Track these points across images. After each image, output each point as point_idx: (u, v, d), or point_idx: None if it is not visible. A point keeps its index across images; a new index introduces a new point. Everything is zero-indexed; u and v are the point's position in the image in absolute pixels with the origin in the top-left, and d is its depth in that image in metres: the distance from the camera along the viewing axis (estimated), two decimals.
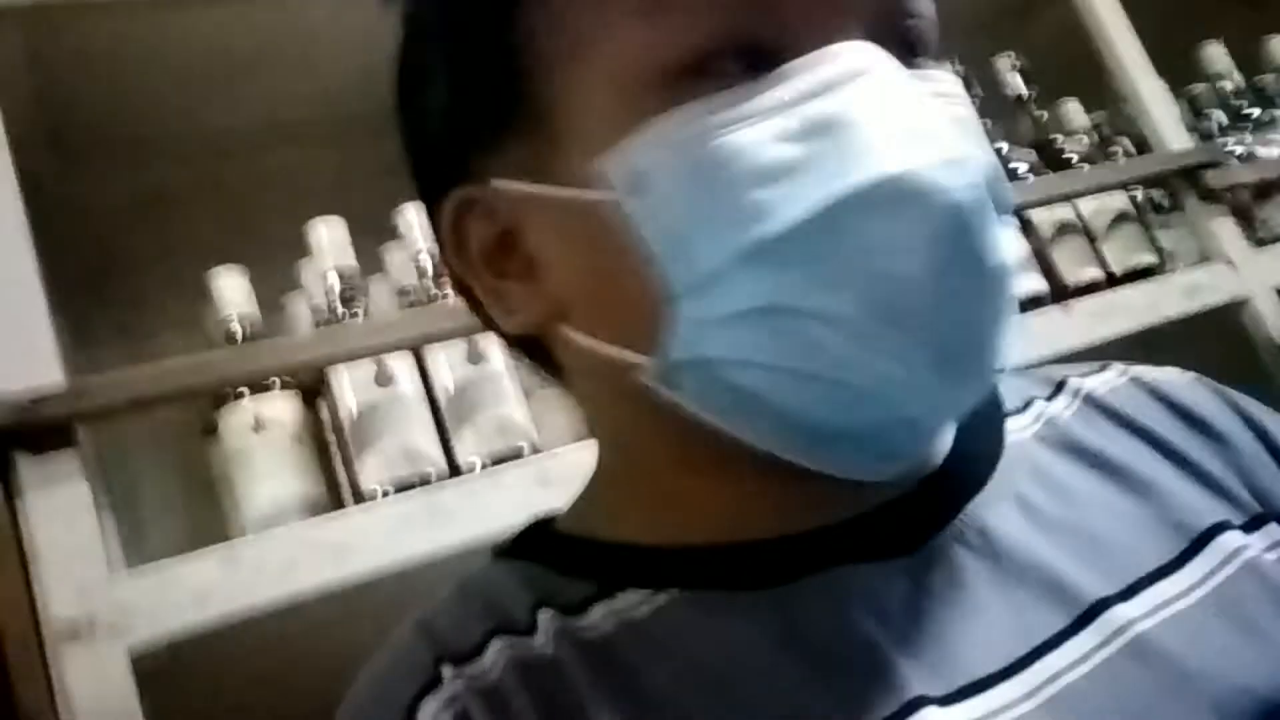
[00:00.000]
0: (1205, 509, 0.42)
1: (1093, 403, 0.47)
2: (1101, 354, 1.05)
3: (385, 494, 0.80)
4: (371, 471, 0.81)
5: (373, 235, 0.96)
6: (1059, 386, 0.48)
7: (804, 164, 0.35)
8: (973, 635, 0.37)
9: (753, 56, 0.36)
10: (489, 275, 0.43)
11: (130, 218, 1.05)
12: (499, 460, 0.83)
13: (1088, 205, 1.16)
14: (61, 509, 0.67)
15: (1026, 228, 1.12)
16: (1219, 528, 0.41)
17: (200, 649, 0.67)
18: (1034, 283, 1.08)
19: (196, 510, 0.98)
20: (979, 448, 0.42)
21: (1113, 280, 1.13)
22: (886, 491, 0.40)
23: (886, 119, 0.35)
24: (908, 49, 0.38)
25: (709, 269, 0.36)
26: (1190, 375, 0.50)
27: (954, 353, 0.36)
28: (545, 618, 0.39)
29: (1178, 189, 1.20)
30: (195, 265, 0.90)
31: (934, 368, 0.36)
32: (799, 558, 0.39)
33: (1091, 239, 1.15)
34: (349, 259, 0.88)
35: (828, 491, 0.39)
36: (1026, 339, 0.97)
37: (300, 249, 0.94)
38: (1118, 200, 1.18)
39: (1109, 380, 0.49)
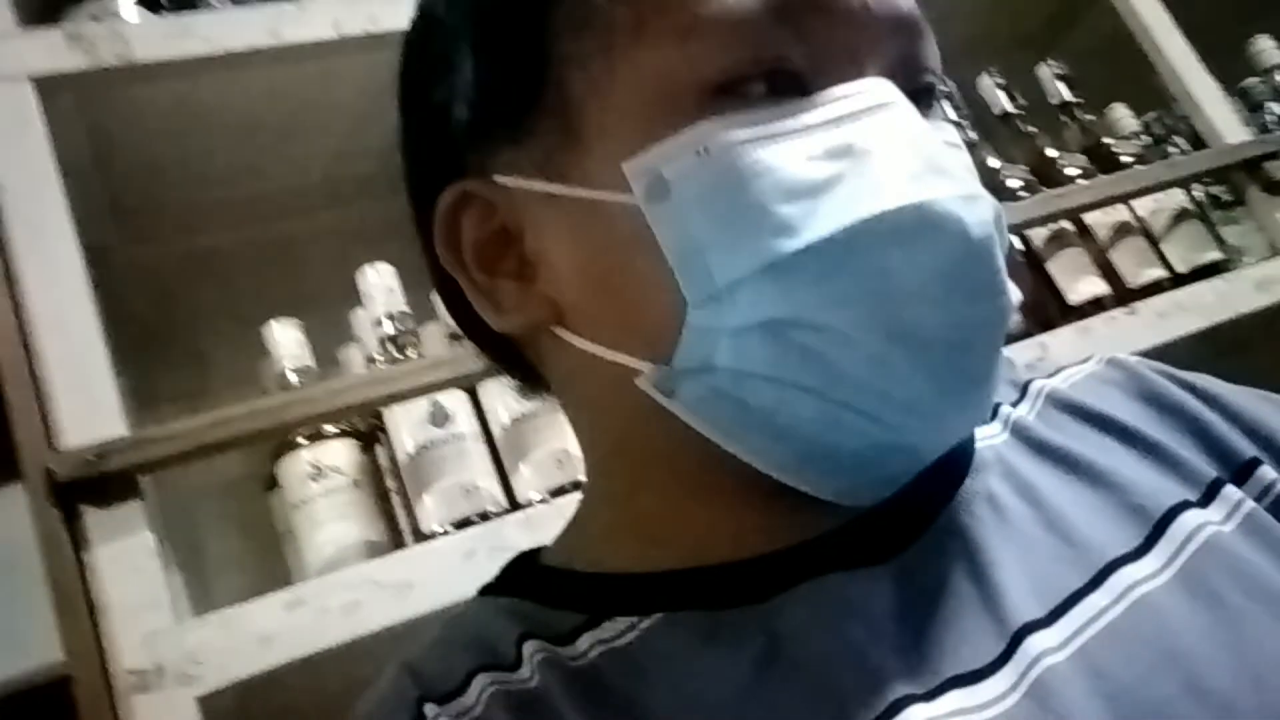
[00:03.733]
0: (1165, 491, 0.42)
1: (1053, 400, 0.47)
2: (1173, 354, 1.02)
3: (446, 533, 0.80)
4: (432, 511, 0.81)
5: (424, 285, 0.97)
6: (1023, 390, 0.48)
7: (829, 185, 0.36)
8: (956, 633, 0.37)
9: (780, 82, 0.37)
10: (480, 273, 0.42)
11: (189, 279, 1.07)
12: (558, 493, 0.82)
13: (1144, 206, 1.13)
14: (127, 560, 0.67)
15: (1083, 232, 1.10)
16: (1179, 508, 0.41)
17: (266, 693, 0.67)
18: (1096, 286, 1.05)
19: (261, 563, 0.98)
20: (950, 455, 0.41)
21: (1179, 280, 1.10)
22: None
23: (908, 151, 0.37)
24: (917, 97, 0.39)
25: (726, 279, 0.36)
26: (1163, 366, 0.50)
27: (958, 380, 0.38)
28: (530, 649, 0.39)
29: (1240, 183, 1.17)
30: (253, 323, 0.92)
31: (938, 393, 0.37)
32: (781, 572, 0.38)
33: (1152, 239, 1.12)
34: (399, 303, 0.89)
35: (809, 507, 0.39)
36: (1095, 344, 0.95)
37: (354, 302, 0.96)
38: (1176, 199, 1.15)
39: (1070, 375, 0.49)
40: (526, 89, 0.40)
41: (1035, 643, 0.36)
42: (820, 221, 0.35)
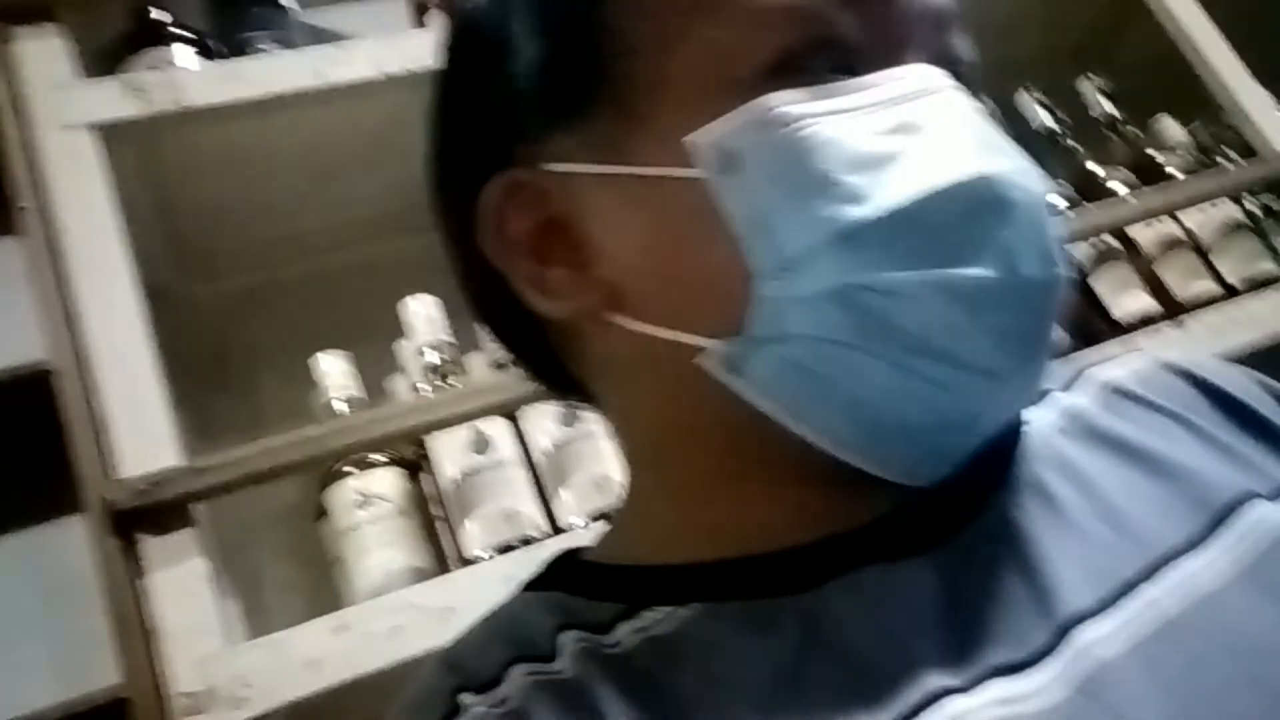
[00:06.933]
0: (1230, 482, 0.41)
1: (1113, 389, 0.46)
2: None
3: (489, 558, 0.81)
4: (475, 537, 0.82)
5: (468, 314, 0.99)
6: (1076, 378, 0.47)
7: (893, 158, 0.37)
8: (1000, 625, 0.36)
9: (838, 62, 0.38)
10: (531, 261, 0.42)
11: (242, 314, 1.11)
12: (598, 518, 0.83)
13: (1194, 219, 1.11)
14: (181, 586, 0.70)
15: (1129, 248, 1.08)
16: (1244, 499, 0.40)
17: (314, 716, 0.69)
18: (1142, 302, 1.03)
19: (313, 590, 1.00)
20: (996, 442, 0.41)
21: (1232, 293, 1.07)
22: (907, 491, 0.40)
23: (964, 129, 0.38)
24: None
25: (798, 249, 0.36)
26: (1225, 362, 0.49)
27: (1020, 345, 0.38)
28: (567, 639, 0.39)
29: None
30: (304, 355, 0.94)
31: (1002, 356, 0.37)
32: (823, 563, 0.38)
33: (1202, 253, 1.10)
34: (442, 333, 0.91)
35: (856, 494, 0.39)
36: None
37: (400, 332, 0.98)
38: (1228, 211, 1.12)
39: (1130, 365, 0.48)
40: (582, 75, 0.40)
41: (1085, 634, 0.35)
42: (888, 191, 0.36)
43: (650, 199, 0.40)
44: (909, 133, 0.37)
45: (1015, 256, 0.37)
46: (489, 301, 0.46)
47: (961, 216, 0.36)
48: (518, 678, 0.38)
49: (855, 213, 0.36)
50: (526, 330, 0.45)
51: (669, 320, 0.40)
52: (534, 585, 0.44)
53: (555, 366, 0.46)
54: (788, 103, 0.37)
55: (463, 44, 0.46)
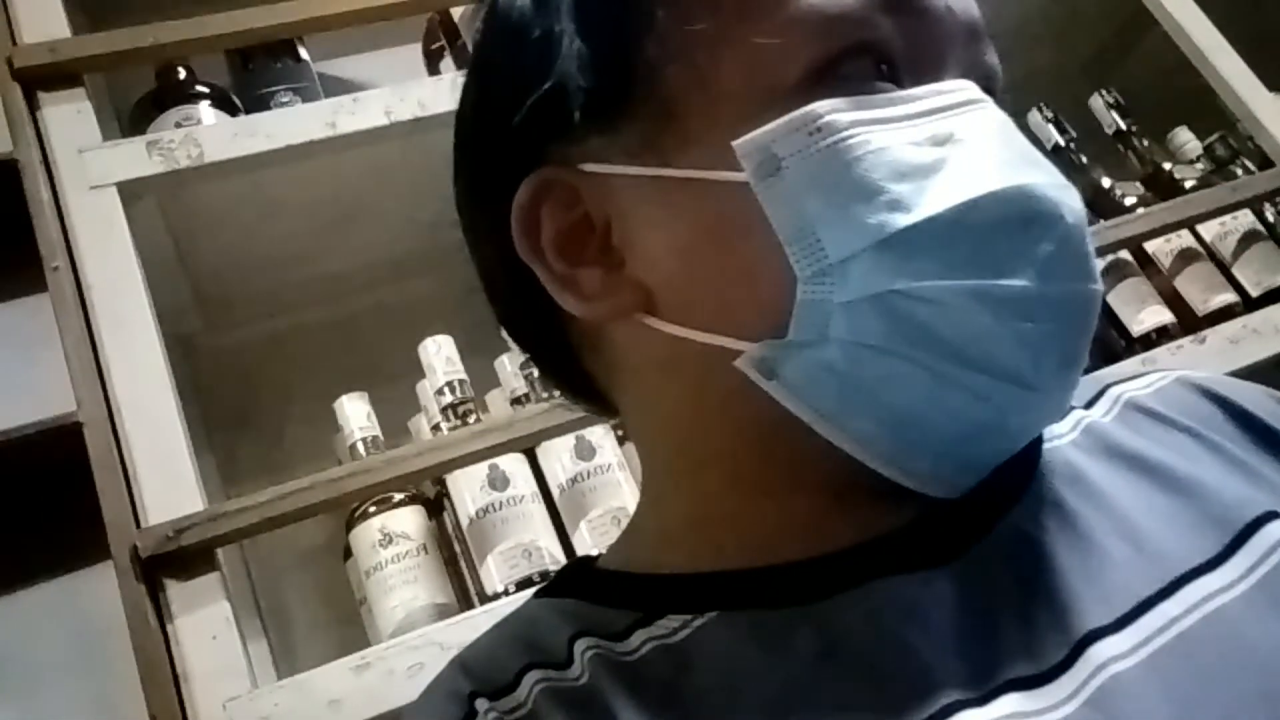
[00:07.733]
0: (1249, 500, 0.40)
1: (1134, 406, 0.46)
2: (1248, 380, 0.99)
3: (508, 593, 0.82)
4: (494, 573, 0.84)
5: (488, 352, 1.01)
6: (1098, 394, 0.47)
7: (935, 167, 0.37)
8: (1015, 639, 0.36)
9: (882, 67, 0.39)
10: (561, 262, 0.42)
11: (267, 360, 1.13)
12: None
13: (1212, 231, 1.11)
14: (206, 630, 0.71)
15: (1145, 262, 1.08)
16: (1264, 519, 0.39)
17: None
18: (1160, 316, 1.03)
19: (342, 630, 1.02)
20: (1017, 457, 0.41)
21: (1252, 304, 1.07)
22: (927, 502, 0.40)
23: (1002, 143, 0.39)
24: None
25: (841, 255, 0.36)
26: (1239, 380, 0.49)
27: (1055, 358, 0.38)
28: (582, 646, 0.39)
29: None
30: (329, 398, 0.96)
31: (1037, 369, 0.37)
32: (840, 574, 0.38)
33: (1221, 264, 1.09)
34: (459, 372, 0.93)
35: (878, 504, 0.39)
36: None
37: (423, 372, 1.00)
38: (1247, 221, 1.12)
39: (1152, 382, 0.48)
40: (624, 77, 0.40)
41: (1101, 649, 0.35)
42: (931, 200, 0.36)
43: (690, 201, 0.40)
44: (951, 144, 0.38)
45: (1054, 269, 0.37)
46: (513, 305, 0.46)
47: (1002, 228, 0.37)
48: (531, 684, 0.38)
49: (899, 221, 0.36)
50: (550, 334, 0.45)
51: (704, 323, 0.40)
52: (547, 592, 0.45)
53: (578, 372, 0.47)
54: (834, 110, 0.37)
55: (500, 42, 0.45)
